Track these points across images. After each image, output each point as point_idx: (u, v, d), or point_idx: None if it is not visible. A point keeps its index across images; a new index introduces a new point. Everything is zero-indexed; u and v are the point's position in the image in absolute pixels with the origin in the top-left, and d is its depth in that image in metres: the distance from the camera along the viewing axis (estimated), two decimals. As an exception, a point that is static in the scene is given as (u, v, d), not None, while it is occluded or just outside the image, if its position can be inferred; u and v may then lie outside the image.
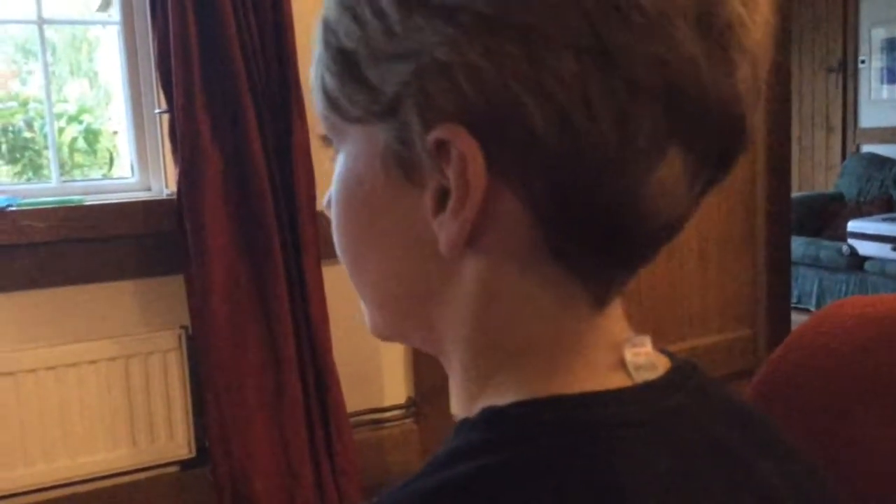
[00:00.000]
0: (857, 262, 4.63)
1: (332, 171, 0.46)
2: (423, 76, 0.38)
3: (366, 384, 2.25)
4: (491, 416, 0.39)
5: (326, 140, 0.46)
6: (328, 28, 0.42)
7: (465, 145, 0.37)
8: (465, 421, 0.40)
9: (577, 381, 0.40)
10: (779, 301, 2.79)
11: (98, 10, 2.61)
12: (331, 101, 0.43)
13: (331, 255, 2.01)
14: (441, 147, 0.38)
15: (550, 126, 0.36)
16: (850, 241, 4.73)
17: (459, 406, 0.44)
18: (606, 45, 0.36)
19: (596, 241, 0.39)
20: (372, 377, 2.28)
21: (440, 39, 0.37)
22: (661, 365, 0.43)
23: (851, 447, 0.73)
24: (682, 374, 0.43)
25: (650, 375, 0.42)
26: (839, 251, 4.69)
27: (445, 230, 0.39)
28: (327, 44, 0.42)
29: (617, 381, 0.41)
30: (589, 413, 0.38)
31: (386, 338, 0.48)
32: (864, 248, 4.65)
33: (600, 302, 0.42)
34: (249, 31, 1.91)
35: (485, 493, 0.35)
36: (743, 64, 0.38)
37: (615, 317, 0.44)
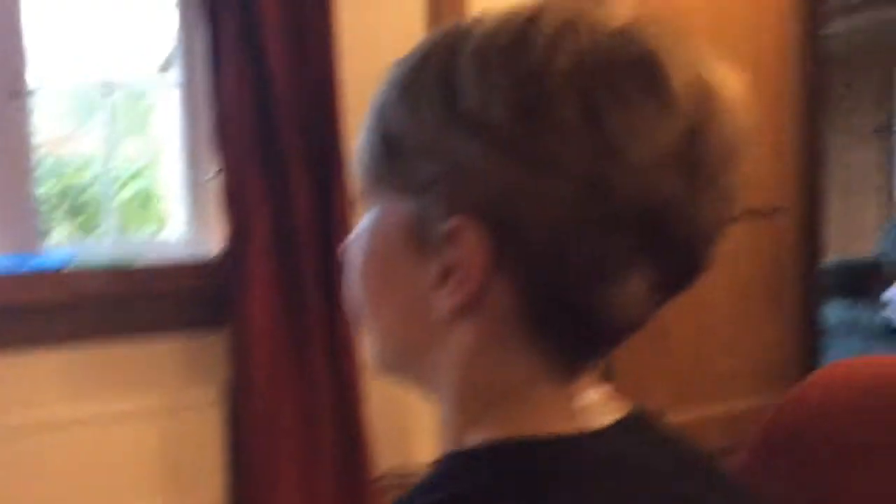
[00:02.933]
0: (894, 329, 4.56)
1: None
2: (451, 173, 0.46)
3: (398, 440, 2.30)
4: (455, 456, 0.48)
5: (362, 194, 0.54)
6: (381, 109, 0.50)
7: (476, 237, 0.45)
8: (437, 460, 0.48)
9: (538, 429, 0.47)
10: (808, 367, 2.79)
11: (159, 70, 2.75)
12: (370, 170, 0.51)
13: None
14: (455, 233, 0.46)
15: (545, 233, 0.44)
16: (889, 308, 4.67)
17: (446, 444, 0.51)
18: (600, 180, 0.43)
19: (568, 330, 0.47)
20: (403, 433, 2.33)
21: (470, 148, 0.45)
22: (617, 414, 0.50)
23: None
24: (635, 422, 0.51)
25: (608, 419, 0.49)
26: (877, 318, 4.64)
27: (441, 303, 0.47)
28: (377, 123, 0.50)
29: (571, 428, 0.48)
30: (538, 457, 0.45)
31: (383, 374, 0.56)
32: (904, 315, 4.58)
33: (567, 375, 0.49)
34: (300, 104, 2.01)
35: None
36: (711, 206, 0.46)
37: (584, 383, 0.51)
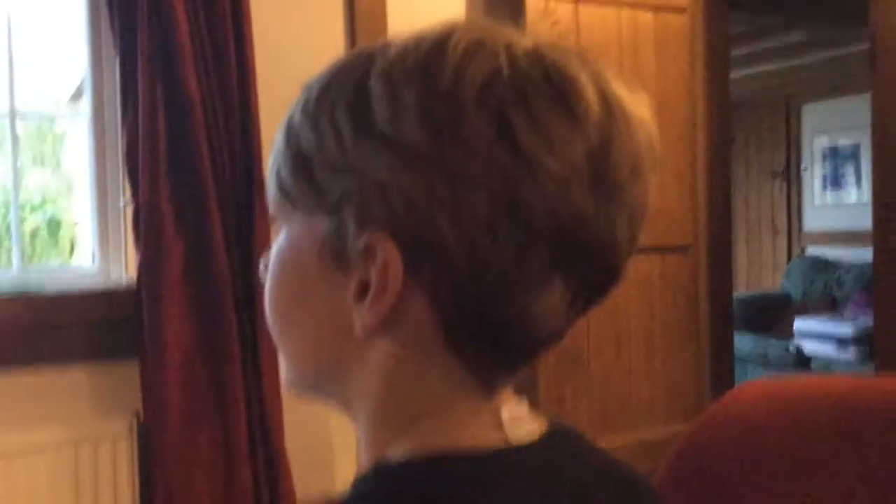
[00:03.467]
0: (803, 360, 4.76)
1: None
2: (364, 189, 0.46)
3: (318, 468, 2.26)
4: (377, 471, 0.47)
5: (273, 218, 0.53)
6: (291, 129, 0.50)
7: (389, 252, 0.45)
8: (359, 476, 0.47)
9: (457, 442, 0.47)
10: (722, 395, 2.87)
11: (70, 100, 2.69)
12: (283, 190, 0.50)
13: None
14: (369, 248, 0.46)
15: (461, 248, 0.45)
16: (797, 339, 4.86)
17: (365, 461, 0.51)
18: (515, 196, 0.44)
19: (487, 344, 0.47)
20: (324, 462, 2.29)
21: (382, 164, 0.45)
22: (538, 429, 0.51)
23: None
24: (555, 437, 0.51)
25: (526, 436, 0.49)
26: (786, 349, 4.82)
27: (361, 318, 0.47)
28: (287, 143, 0.50)
29: (494, 441, 0.48)
30: (460, 471, 0.45)
31: (297, 393, 0.55)
32: (810, 346, 4.79)
33: (487, 388, 0.49)
34: (217, 129, 2.00)
35: None
36: (622, 220, 0.47)
37: (503, 396, 0.51)
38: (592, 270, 0.48)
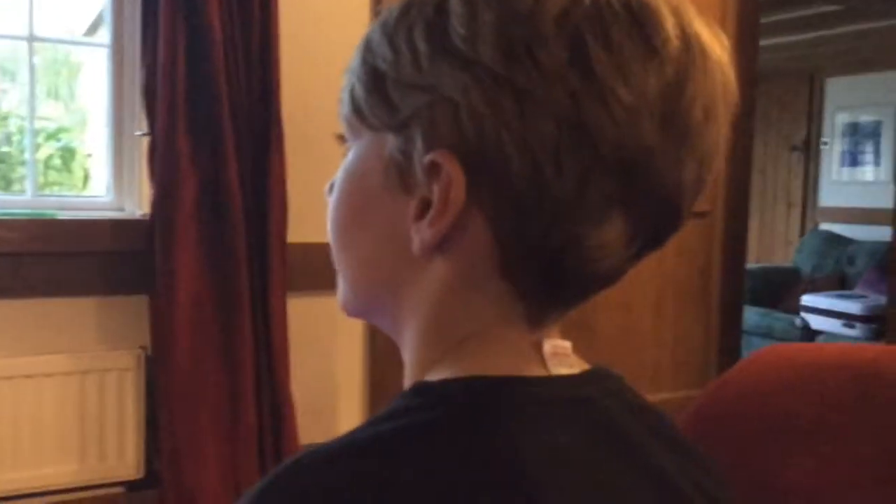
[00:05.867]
0: (809, 335, 4.75)
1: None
2: (435, 108, 0.46)
3: (322, 416, 2.28)
4: (419, 388, 0.46)
5: (341, 139, 0.54)
6: (368, 47, 0.50)
7: (453, 170, 0.45)
8: (402, 391, 0.47)
9: (499, 369, 0.47)
10: (729, 365, 2.87)
11: (85, 34, 2.66)
12: (355, 107, 0.51)
13: (296, 287, 2.05)
14: (433, 167, 0.46)
15: (524, 172, 0.44)
16: (804, 314, 4.85)
17: (409, 382, 0.50)
18: (584, 122, 0.43)
19: (540, 272, 0.47)
20: (328, 409, 2.30)
21: (455, 83, 0.45)
22: (579, 366, 0.51)
23: (763, 477, 0.78)
24: (597, 374, 0.51)
25: (567, 371, 0.49)
26: (792, 324, 4.81)
27: (421, 235, 0.47)
28: (364, 60, 0.50)
29: (536, 371, 0.48)
30: (500, 390, 0.45)
31: (352, 314, 0.55)
32: (817, 322, 4.78)
33: (534, 324, 0.49)
34: (237, 65, 1.97)
35: (399, 447, 0.42)
36: (690, 162, 0.46)
37: (549, 332, 0.50)
38: (654, 210, 0.47)
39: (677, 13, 0.46)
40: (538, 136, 0.44)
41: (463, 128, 0.45)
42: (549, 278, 0.47)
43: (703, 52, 0.46)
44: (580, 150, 0.44)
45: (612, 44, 0.44)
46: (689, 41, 0.46)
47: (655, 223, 0.48)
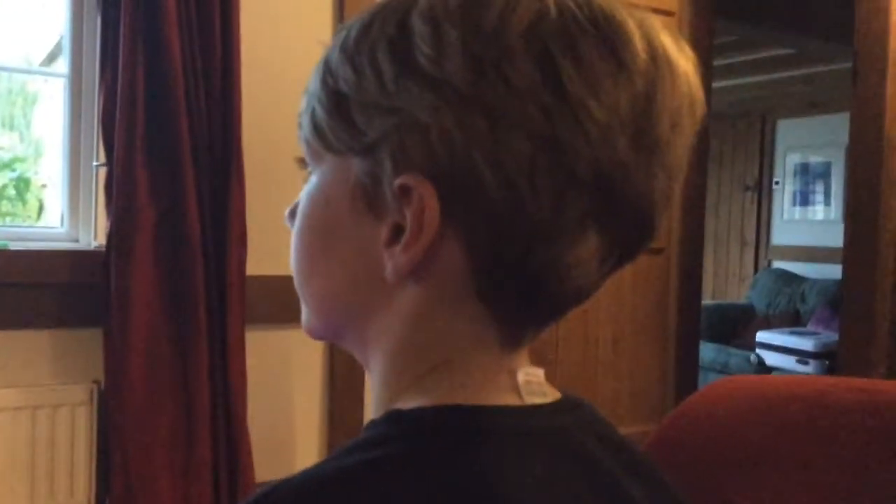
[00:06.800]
0: (764, 371, 4.81)
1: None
2: (403, 130, 0.44)
3: (279, 452, 2.24)
4: (392, 416, 0.45)
5: (302, 162, 0.52)
6: (328, 68, 0.49)
7: (426, 194, 0.44)
8: (372, 420, 0.46)
9: (473, 398, 0.46)
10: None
11: (42, 63, 2.64)
12: (317, 130, 0.49)
13: (255, 321, 2.02)
14: (404, 191, 0.44)
15: (499, 192, 0.43)
16: (759, 350, 4.92)
17: (375, 411, 0.49)
18: (558, 139, 0.43)
19: (517, 293, 0.46)
20: (285, 445, 2.27)
21: (424, 104, 0.44)
22: (552, 394, 0.50)
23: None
24: (570, 403, 0.50)
25: (540, 400, 0.48)
26: (747, 360, 4.88)
27: (395, 261, 0.46)
28: (324, 81, 0.49)
29: (509, 400, 0.47)
30: (476, 420, 0.44)
31: (318, 338, 0.54)
32: (771, 358, 4.85)
33: (507, 346, 0.48)
34: (197, 95, 1.96)
35: (369, 481, 0.41)
36: (661, 175, 0.46)
37: (522, 357, 0.50)
38: (627, 225, 0.47)
39: (643, 26, 0.46)
40: (512, 155, 0.43)
41: (434, 150, 0.44)
42: (525, 299, 0.46)
43: (670, 64, 0.46)
44: (555, 168, 0.43)
45: (581, 59, 0.43)
46: (656, 54, 0.45)
47: (629, 237, 0.48)
